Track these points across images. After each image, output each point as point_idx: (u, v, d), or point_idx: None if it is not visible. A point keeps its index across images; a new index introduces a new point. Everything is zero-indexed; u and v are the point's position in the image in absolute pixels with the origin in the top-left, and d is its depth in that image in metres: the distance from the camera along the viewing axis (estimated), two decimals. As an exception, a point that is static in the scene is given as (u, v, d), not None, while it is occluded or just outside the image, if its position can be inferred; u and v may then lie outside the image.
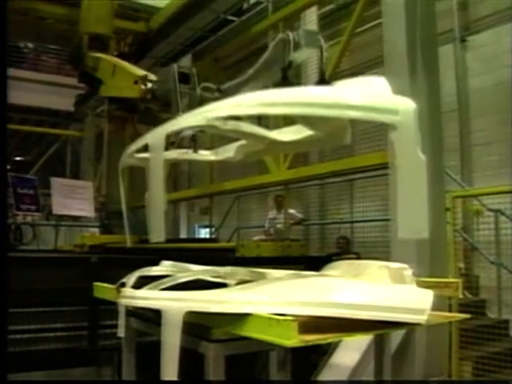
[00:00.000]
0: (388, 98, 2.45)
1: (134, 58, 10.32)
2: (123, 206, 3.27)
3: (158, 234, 2.61)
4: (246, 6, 10.85)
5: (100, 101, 9.96)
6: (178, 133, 4.25)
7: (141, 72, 6.09)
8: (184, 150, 3.81)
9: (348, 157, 7.73)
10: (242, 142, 3.43)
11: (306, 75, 9.47)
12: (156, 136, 2.71)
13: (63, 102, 14.59)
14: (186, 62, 12.19)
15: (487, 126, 7.68)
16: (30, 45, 17.00)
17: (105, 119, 8.81)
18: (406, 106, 2.33)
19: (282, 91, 2.41)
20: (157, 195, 2.64)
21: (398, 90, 5.67)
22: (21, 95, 12.59)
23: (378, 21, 6.75)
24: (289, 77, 2.67)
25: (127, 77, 6.30)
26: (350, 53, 8.57)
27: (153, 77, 5.95)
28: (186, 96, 5.16)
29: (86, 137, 16.09)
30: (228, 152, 3.56)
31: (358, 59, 9.42)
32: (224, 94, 3.37)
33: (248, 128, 3.14)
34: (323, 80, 2.64)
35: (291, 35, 2.72)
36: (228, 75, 11.06)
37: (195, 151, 3.72)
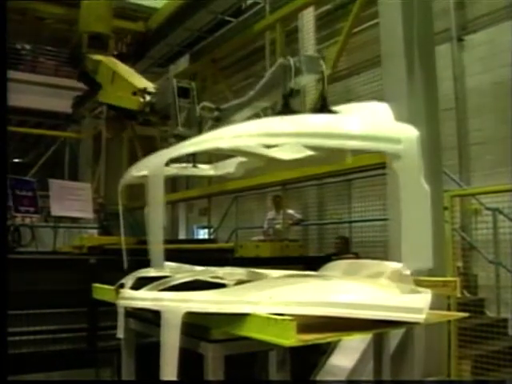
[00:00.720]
0: (390, 126, 2.42)
1: (133, 58, 10.32)
2: (121, 226, 3.24)
3: (158, 263, 2.60)
4: (243, 6, 10.87)
5: (98, 102, 9.95)
6: None
7: (140, 83, 6.04)
8: (183, 165, 3.80)
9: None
10: (242, 158, 3.43)
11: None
12: (156, 166, 2.68)
13: (61, 103, 14.58)
14: (183, 62, 12.22)
15: (485, 125, 7.70)
16: (28, 46, 16.99)
17: (103, 120, 8.81)
18: (409, 134, 2.29)
19: (284, 121, 2.36)
20: (156, 227, 2.62)
21: (395, 91, 5.69)
22: (19, 97, 12.58)
23: (375, 21, 6.75)
24: (290, 104, 2.63)
25: (126, 86, 6.26)
26: (347, 53, 8.56)
27: (152, 88, 5.90)
28: (185, 110, 5.16)
29: (84, 138, 16.09)
30: (228, 168, 3.55)
31: (355, 59, 9.42)
32: (223, 113, 3.35)
33: (248, 147, 3.14)
34: (324, 105, 2.60)
35: (292, 61, 2.68)
36: (226, 75, 11.09)
37: (195, 166, 3.71)
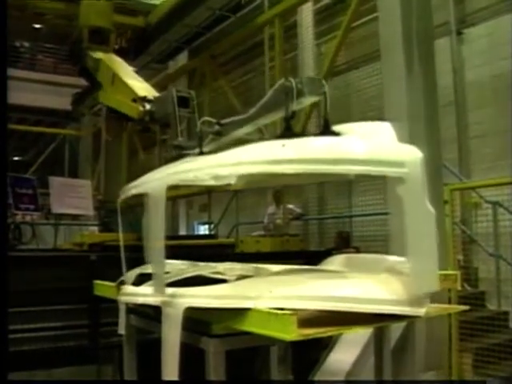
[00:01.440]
0: (393, 148, 2.38)
1: (133, 53, 10.29)
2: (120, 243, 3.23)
3: (159, 287, 2.58)
4: (242, 1, 10.83)
5: (97, 100, 9.94)
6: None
7: (140, 91, 5.99)
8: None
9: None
10: None
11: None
12: (157, 188, 2.64)
13: (60, 101, 14.58)
14: (182, 58, 12.21)
15: (484, 118, 7.69)
16: (27, 44, 16.99)
17: (102, 118, 8.80)
18: (412, 156, 2.26)
19: (286, 147, 2.32)
20: (158, 250, 2.60)
21: (394, 84, 5.68)
22: (18, 95, 12.58)
23: (374, 15, 6.74)
24: (292, 127, 2.59)
25: (126, 92, 6.22)
26: (346, 47, 8.56)
27: (152, 95, 5.84)
28: (185, 120, 5.16)
29: (84, 136, 16.09)
30: (229, 178, 3.54)
31: (354, 54, 9.41)
32: (224, 127, 3.33)
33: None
34: (327, 128, 2.56)
35: (294, 83, 2.65)
36: (225, 71, 11.08)
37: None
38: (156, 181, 2.71)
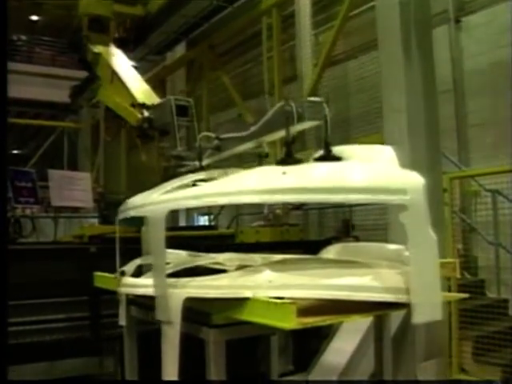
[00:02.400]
0: (395, 174, 2.36)
1: (133, 43, 10.25)
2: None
3: (163, 314, 2.57)
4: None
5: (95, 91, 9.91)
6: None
7: (139, 95, 5.93)
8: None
9: (344, 140, 7.74)
10: None
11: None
12: (157, 214, 2.60)
13: (59, 93, 14.55)
14: (180, 49, 12.17)
15: (483, 106, 7.67)
16: (24, 37, 16.94)
17: (101, 110, 8.76)
18: (415, 182, 2.23)
19: (286, 175, 2.26)
20: (160, 277, 2.59)
21: (392, 73, 5.67)
22: (16, 88, 12.55)
23: (372, 3, 6.72)
24: (292, 152, 2.55)
25: (125, 94, 6.18)
26: (344, 36, 8.53)
27: (150, 101, 5.78)
28: (184, 128, 5.15)
29: (83, 128, 16.08)
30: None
31: (352, 43, 9.37)
32: (223, 143, 3.33)
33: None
34: (328, 152, 2.53)
35: (294, 107, 2.61)
36: (223, 62, 11.05)
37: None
38: (156, 205, 2.67)
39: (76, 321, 4.85)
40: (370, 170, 2.34)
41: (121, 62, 6.94)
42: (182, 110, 5.17)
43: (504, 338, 5.38)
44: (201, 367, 2.55)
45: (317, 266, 2.61)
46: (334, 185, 2.18)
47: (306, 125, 2.84)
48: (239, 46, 11.74)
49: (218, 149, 3.37)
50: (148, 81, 11.56)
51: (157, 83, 12.63)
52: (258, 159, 3.72)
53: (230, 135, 3.25)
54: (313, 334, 5.55)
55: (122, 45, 7.68)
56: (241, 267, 2.87)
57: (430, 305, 2.26)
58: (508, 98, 6.92)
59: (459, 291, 4.75)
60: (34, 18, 17.96)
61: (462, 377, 5.51)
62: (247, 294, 2.24)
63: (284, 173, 2.30)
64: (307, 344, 5.79)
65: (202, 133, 3.52)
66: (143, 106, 5.72)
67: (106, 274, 3.49)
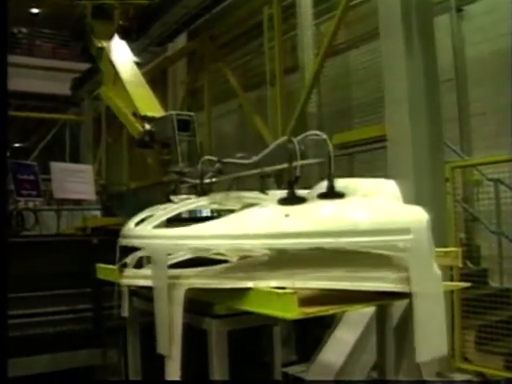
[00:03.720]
0: (398, 212, 2.33)
1: (136, 33, 10.18)
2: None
3: (164, 348, 2.56)
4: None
5: (97, 84, 9.89)
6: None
7: (141, 107, 5.88)
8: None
9: (347, 130, 7.73)
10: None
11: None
12: (158, 252, 2.59)
13: (60, 86, 14.55)
14: (181, 40, 12.13)
15: (485, 95, 7.64)
16: (24, 30, 16.91)
17: (102, 102, 8.74)
18: (418, 220, 2.22)
19: (289, 218, 2.24)
20: (162, 314, 2.58)
21: (394, 62, 5.64)
22: (17, 81, 12.55)
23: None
24: (295, 191, 2.51)
25: (127, 99, 6.14)
26: (345, 26, 8.50)
27: (152, 113, 5.75)
28: (185, 142, 5.13)
29: (84, 120, 16.07)
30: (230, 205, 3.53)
31: (354, 32, 9.33)
32: (224, 166, 3.33)
33: (251, 199, 3.13)
34: (332, 189, 2.50)
35: (297, 146, 2.56)
36: (224, 53, 11.02)
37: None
38: (156, 240, 2.66)
39: (79, 313, 4.87)
40: (373, 209, 2.31)
41: (124, 62, 6.85)
42: (184, 125, 5.15)
43: (507, 327, 5.38)
44: (203, 359, 2.56)
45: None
46: (338, 228, 2.15)
47: (309, 161, 2.82)
48: (240, 36, 11.70)
49: (219, 172, 3.38)
50: (149, 72, 11.62)
51: (158, 74, 12.61)
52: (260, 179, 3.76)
53: (231, 160, 3.24)
54: (316, 324, 5.56)
55: (125, 35, 7.64)
56: (243, 258, 2.87)
57: (434, 341, 2.24)
58: (510, 87, 6.89)
59: (462, 280, 4.75)
60: (35, 10, 17.95)
61: (465, 366, 5.52)
62: (249, 284, 2.24)
63: (287, 215, 2.28)
64: (310, 334, 5.81)
65: (205, 157, 3.51)
66: (145, 118, 5.69)
67: (109, 266, 3.49)
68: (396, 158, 5.61)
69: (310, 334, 5.83)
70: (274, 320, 2.51)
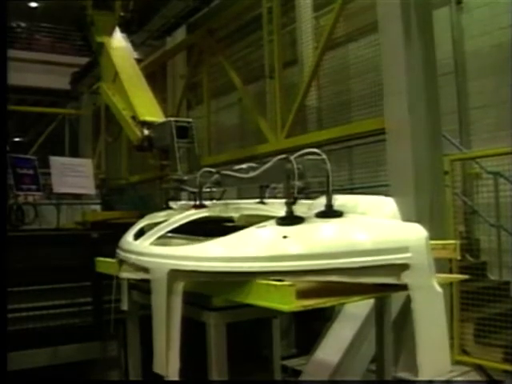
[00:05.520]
0: (397, 231, 2.33)
1: (136, 25, 10.15)
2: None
3: (160, 368, 2.55)
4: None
5: (97, 78, 9.88)
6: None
7: (141, 111, 5.86)
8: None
9: (346, 123, 7.71)
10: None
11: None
12: (159, 271, 2.56)
13: (59, 80, 14.52)
14: (180, 34, 12.11)
15: (485, 88, 7.63)
16: (23, 24, 16.87)
17: (101, 95, 8.70)
18: (416, 238, 2.23)
19: (288, 240, 2.24)
20: (160, 332, 2.56)
21: (393, 55, 5.62)
22: (16, 76, 12.50)
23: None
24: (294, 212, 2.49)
25: (126, 101, 6.13)
26: (344, 19, 8.47)
27: (151, 118, 5.73)
28: (184, 149, 5.14)
29: (83, 115, 16.04)
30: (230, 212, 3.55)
31: (353, 25, 9.30)
32: (223, 178, 3.34)
33: (253, 210, 3.10)
34: (330, 207, 2.49)
35: (295, 165, 2.54)
36: (223, 46, 10.99)
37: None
38: (157, 258, 2.65)
39: (79, 306, 4.88)
40: (371, 229, 2.32)
41: (124, 63, 6.79)
42: (183, 132, 5.16)
43: (505, 319, 5.39)
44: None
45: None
46: (336, 250, 2.16)
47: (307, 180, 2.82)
48: (239, 30, 11.67)
49: (217, 183, 3.39)
50: (149, 66, 11.60)
51: (157, 68, 12.59)
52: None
53: (229, 173, 3.25)
54: (315, 317, 5.58)
55: (126, 27, 7.60)
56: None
57: (437, 358, 2.24)
58: (509, 80, 6.88)
59: (461, 273, 4.75)
60: (34, 4, 17.91)
61: (464, 358, 5.54)
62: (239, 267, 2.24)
63: (285, 237, 2.27)
64: (310, 327, 5.82)
65: (203, 169, 3.53)
66: (144, 123, 5.69)
67: (108, 259, 3.50)
68: (395, 150, 5.61)
69: (310, 327, 5.84)
70: (273, 313, 2.51)
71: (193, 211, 3.09)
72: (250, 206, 3.42)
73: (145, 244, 2.86)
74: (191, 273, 2.40)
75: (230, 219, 3.25)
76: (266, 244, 2.31)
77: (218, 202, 3.64)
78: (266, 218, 2.62)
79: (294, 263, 2.17)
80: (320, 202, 2.60)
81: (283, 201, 2.53)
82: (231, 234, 2.50)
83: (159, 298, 2.53)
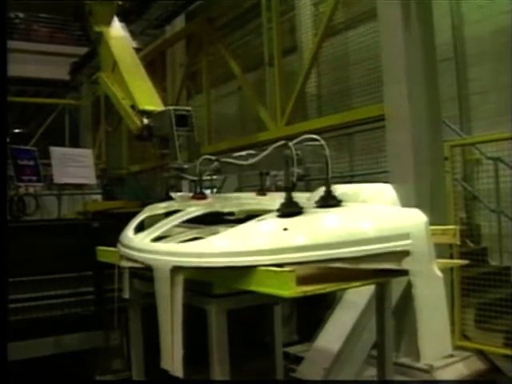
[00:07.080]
0: (397, 217, 2.34)
1: (135, 13, 10.10)
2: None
3: (167, 363, 2.55)
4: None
5: (96, 68, 9.83)
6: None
7: (140, 100, 5.85)
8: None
9: (346, 110, 7.70)
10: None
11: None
12: (162, 268, 2.56)
13: (58, 71, 14.47)
14: (179, 23, 12.06)
15: (485, 74, 7.61)
16: (21, 15, 16.79)
17: (101, 85, 8.66)
18: (416, 224, 2.24)
19: (288, 232, 2.23)
20: (165, 329, 2.56)
21: (392, 41, 5.60)
22: (15, 67, 12.46)
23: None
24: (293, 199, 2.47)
25: (125, 90, 6.11)
26: (343, 6, 8.44)
27: (151, 107, 5.72)
28: (184, 137, 5.13)
29: (83, 105, 16.01)
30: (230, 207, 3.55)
31: (352, 12, 9.26)
32: (222, 165, 3.34)
33: (255, 206, 3.11)
34: (330, 195, 2.47)
35: (294, 152, 2.52)
36: (222, 35, 10.96)
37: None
38: (159, 255, 2.64)
39: (81, 295, 4.91)
40: (371, 217, 2.33)
41: (123, 53, 6.76)
42: (182, 120, 5.16)
43: (506, 304, 5.40)
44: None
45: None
46: (337, 240, 2.16)
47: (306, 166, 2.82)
48: (238, 18, 11.62)
49: (217, 171, 3.39)
50: (148, 55, 11.56)
51: (157, 57, 12.55)
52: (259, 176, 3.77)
53: (229, 160, 3.24)
54: (317, 304, 5.60)
55: (125, 16, 7.56)
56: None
57: (438, 341, 2.27)
58: (509, 65, 6.86)
59: (462, 259, 4.77)
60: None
61: (465, 344, 5.57)
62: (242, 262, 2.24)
63: (285, 229, 2.27)
64: (312, 314, 5.84)
65: (203, 156, 3.52)
66: (143, 112, 5.69)
67: (109, 248, 3.51)
68: (395, 136, 5.60)
69: (312, 314, 5.86)
70: (275, 299, 2.52)
71: (193, 208, 3.08)
72: (251, 200, 3.41)
73: (146, 240, 2.86)
74: (194, 269, 2.40)
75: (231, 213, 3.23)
76: (267, 237, 2.31)
77: (219, 195, 3.64)
78: (267, 211, 2.61)
79: (296, 255, 2.17)
80: (319, 194, 2.60)
81: (283, 194, 2.52)
82: (232, 228, 2.50)
83: (163, 300, 2.54)
